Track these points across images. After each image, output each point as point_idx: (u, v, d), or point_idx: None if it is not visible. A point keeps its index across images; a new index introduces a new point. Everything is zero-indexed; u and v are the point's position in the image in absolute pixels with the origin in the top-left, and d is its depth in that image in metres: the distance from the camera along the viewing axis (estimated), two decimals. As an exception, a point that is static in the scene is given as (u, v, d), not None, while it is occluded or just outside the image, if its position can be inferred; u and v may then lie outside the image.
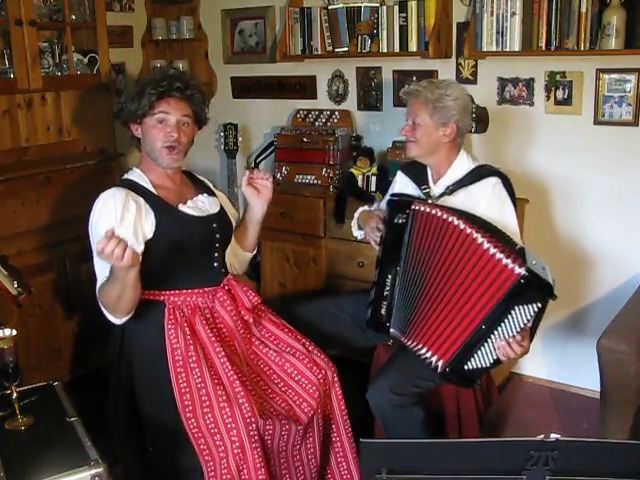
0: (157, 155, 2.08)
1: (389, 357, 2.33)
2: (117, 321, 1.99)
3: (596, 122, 2.82)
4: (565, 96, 2.86)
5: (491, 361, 2.06)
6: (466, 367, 2.08)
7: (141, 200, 2.03)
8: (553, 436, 1.33)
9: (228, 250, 2.30)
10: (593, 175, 2.88)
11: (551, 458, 1.33)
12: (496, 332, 2.00)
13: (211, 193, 2.26)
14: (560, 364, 3.11)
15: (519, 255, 1.97)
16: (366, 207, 2.57)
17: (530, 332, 2.06)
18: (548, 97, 2.91)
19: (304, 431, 2.01)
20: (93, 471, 1.60)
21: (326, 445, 2.15)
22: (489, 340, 2.02)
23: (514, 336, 1.99)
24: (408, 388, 2.13)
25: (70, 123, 3.32)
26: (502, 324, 1.99)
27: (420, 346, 2.16)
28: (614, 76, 2.73)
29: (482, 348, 2.04)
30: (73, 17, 3.05)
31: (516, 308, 1.96)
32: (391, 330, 2.27)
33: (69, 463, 1.62)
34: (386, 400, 2.11)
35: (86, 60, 3.13)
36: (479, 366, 2.07)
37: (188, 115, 2.11)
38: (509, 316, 1.97)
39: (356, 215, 2.58)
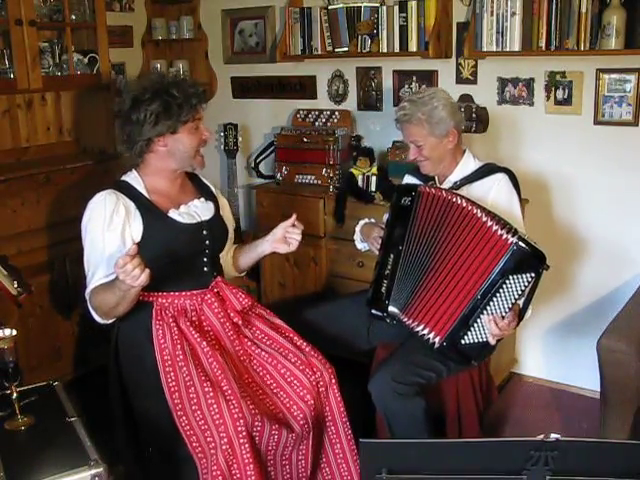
0: (191, 163, 2.15)
1: (391, 351, 2.34)
2: (101, 321, 2.03)
3: (596, 122, 2.82)
4: (565, 96, 2.86)
5: (486, 336, 2.10)
6: (463, 341, 2.13)
7: (132, 205, 2.06)
8: (553, 436, 1.33)
9: (223, 254, 2.32)
10: (593, 175, 2.88)
11: (551, 458, 1.33)
12: (491, 303, 2.06)
13: (209, 198, 2.26)
14: (560, 364, 3.11)
15: (513, 228, 2.05)
16: (366, 219, 2.57)
17: (521, 309, 2.12)
18: (548, 97, 2.91)
19: (297, 435, 2.00)
20: (93, 471, 1.61)
21: (326, 447, 2.15)
22: (484, 312, 2.07)
23: (505, 312, 2.05)
24: (410, 377, 2.14)
25: (70, 123, 3.32)
26: (497, 295, 2.05)
27: (417, 324, 2.19)
28: (614, 76, 2.73)
29: (477, 321, 2.09)
30: (73, 17, 3.05)
31: (510, 278, 2.02)
32: (389, 308, 2.28)
33: (69, 463, 1.62)
34: (388, 389, 2.12)
35: (86, 60, 3.13)
36: (475, 341, 2.12)
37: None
38: (504, 286, 2.03)
39: (357, 229, 2.57)
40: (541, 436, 1.34)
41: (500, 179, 2.33)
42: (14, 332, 1.77)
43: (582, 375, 2.96)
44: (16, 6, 2.74)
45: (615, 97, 2.74)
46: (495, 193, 2.30)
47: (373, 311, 2.34)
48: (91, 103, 3.27)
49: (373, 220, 2.54)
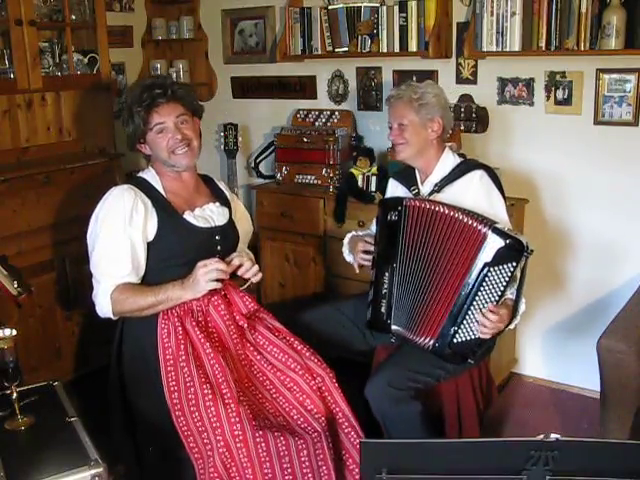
0: (172, 162, 2.11)
1: (387, 355, 2.34)
2: (107, 316, 2.05)
3: (596, 122, 2.82)
4: (565, 96, 2.86)
5: (477, 334, 2.10)
6: (455, 340, 2.13)
7: (149, 202, 2.06)
8: (553, 436, 1.33)
9: None
10: (593, 175, 2.87)
11: (551, 458, 1.33)
12: (477, 298, 2.07)
13: (224, 203, 2.25)
14: (560, 364, 3.11)
15: (489, 221, 2.06)
16: (354, 232, 2.56)
17: (514, 302, 2.10)
18: (548, 97, 2.91)
19: (308, 447, 1.92)
20: (93, 471, 1.60)
21: (347, 447, 2.08)
22: (472, 308, 2.08)
23: (493, 305, 2.04)
24: (405, 382, 2.14)
25: (70, 123, 3.32)
26: (481, 289, 2.05)
27: (420, 337, 2.20)
28: (614, 76, 2.73)
29: (467, 318, 2.09)
30: (73, 17, 3.05)
31: (491, 270, 2.03)
32: (393, 327, 2.28)
33: (69, 463, 1.62)
34: (384, 394, 2.12)
35: (86, 60, 3.13)
36: (467, 339, 2.12)
37: (182, 113, 2.12)
38: (486, 279, 2.04)
39: (345, 241, 2.56)
40: (541, 436, 1.33)
41: (480, 176, 2.32)
42: (14, 332, 1.77)
43: (582, 375, 2.96)
44: (16, 6, 2.73)
45: (615, 97, 2.74)
46: (474, 191, 2.29)
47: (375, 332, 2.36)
48: (91, 103, 3.27)
49: (360, 233, 2.53)
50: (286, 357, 2.10)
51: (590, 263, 2.96)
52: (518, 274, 2.06)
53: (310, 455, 1.94)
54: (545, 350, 3.16)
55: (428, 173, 2.38)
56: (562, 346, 3.09)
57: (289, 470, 1.91)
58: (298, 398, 2.03)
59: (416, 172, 2.42)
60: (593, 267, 2.95)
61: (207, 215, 2.15)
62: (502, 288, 2.04)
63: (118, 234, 2.00)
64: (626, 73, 2.70)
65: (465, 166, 2.36)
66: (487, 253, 2.03)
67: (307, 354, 2.14)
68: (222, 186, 2.34)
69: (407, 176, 2.45)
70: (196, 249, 2.08)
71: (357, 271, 2.45)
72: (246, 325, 2.13)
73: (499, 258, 2.02)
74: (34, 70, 2.84)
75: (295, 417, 1.99)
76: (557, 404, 3.00)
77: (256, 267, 2.12)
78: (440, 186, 2.32)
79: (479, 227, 2.05)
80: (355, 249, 2.42)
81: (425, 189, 2.37)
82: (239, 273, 2.10)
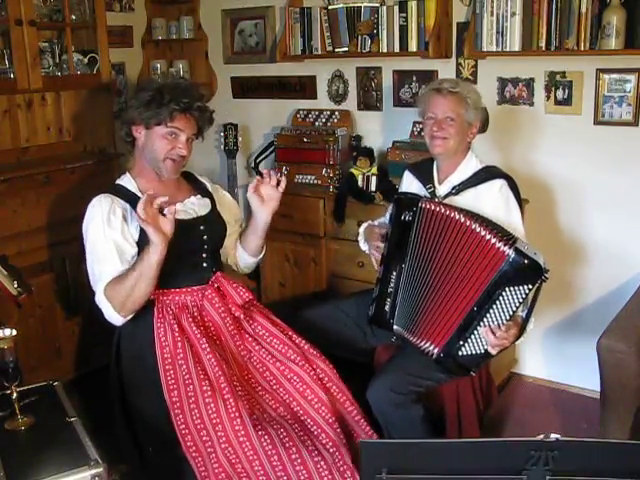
0: (160, 165, 2.14)
1: (389, 357, 2.34)
2: (119, 320, 2.04)
3: (596, 122, 2.81)
4: (565, 96, 2.86)
5: (484, 348, 2.08)
6: (460, 353, 2.12)
7: (127, 206, 2.09)
8: (553, 436, 1.33)
9: (231, 252, 2.35)
10: (593, 175, 2.87)
11: (551, 458, 1.33)
12: (488, 315, 2.04)
13: (205, 194, 2.28)
14: (560, 364, 3.11)
15: (510, 239, 2.01)
16: (370, 221, 2.55)
17: (523, 321, 2.08)
18: (548, 97, 2.91)
19: (311, 438, 1.93)
20: (93, 471, 1.61)
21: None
22: (481, 324, 2.05)
23: (502, 324, 2.02)
24: (407, 387, 2.13)
25: (70, 123, 3.32)
26: (493, 307, 2.02)
27: (421, 340, 2.20)
28: (614, 76, 2.73)
29: (475, 333, 2.07)
30: (73, 17, 3.05)
31: (507, 290, 1.99)
32: (394, 327, 2.28)
33: (69, 463, 1.62)
34: (386, 399, 2.12)
35: (86, 60, 3.13)
36: (472, 353, 2.10)
37: (195, 134, 2.19)
38: (500, 298, 2.01)
39: (361, 230, 2.55)
40: (541, 436, 1.34)
41: (500, 186, 2.28)
42: (14, 332, 1.77)
43: (582, 375, 2.95)
44: (16, 6, 2.73)
45: (615, 97, 2.74)
46: (494, 201, 2.26)
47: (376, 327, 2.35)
48: (91, 103, 3.27)
49: (376, 222, 2.53)
50: (286, 348, 2.12)
51: (590, 263, 2.95)
52: (532, 295, 2.02)
53: (315, 445, 1.92)
54: (545, 350, 3.16)
55: (448, 173, 2.34)
56: (562, 346, 3.09)
57: (298, 460, 1.86)
58: (298, 389, 2.04)
59: (434, 168, 2.38)
60: (592, 267, 2.95)
61: (188, 208, 2.19)
62: (514, 308, 2.01)
63: (99, 238, 2.05)
64: (626, 73, 2.70)
65: (487, 173, 2.32)
66: (505, 272, 1.97)
67: (305, 347, 2.16)
68: (203, 179, 2.38)
69: (424, 171, 2.41)
70: (182, 242, 2.09)
71: (376, 267, 2.40)
72: (242, 316, 2.15)
73: (517, 279, 1.97)
74: (34, 70, 2.84)
75: (295, 409, 2.01)
76: (557, 404, 3.00)
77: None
78: (458, 190, 2.29)
79: (498, 245, 1.99)
80: (370, 241, 2.41)
81: (442, 190, 2.33)
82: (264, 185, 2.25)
